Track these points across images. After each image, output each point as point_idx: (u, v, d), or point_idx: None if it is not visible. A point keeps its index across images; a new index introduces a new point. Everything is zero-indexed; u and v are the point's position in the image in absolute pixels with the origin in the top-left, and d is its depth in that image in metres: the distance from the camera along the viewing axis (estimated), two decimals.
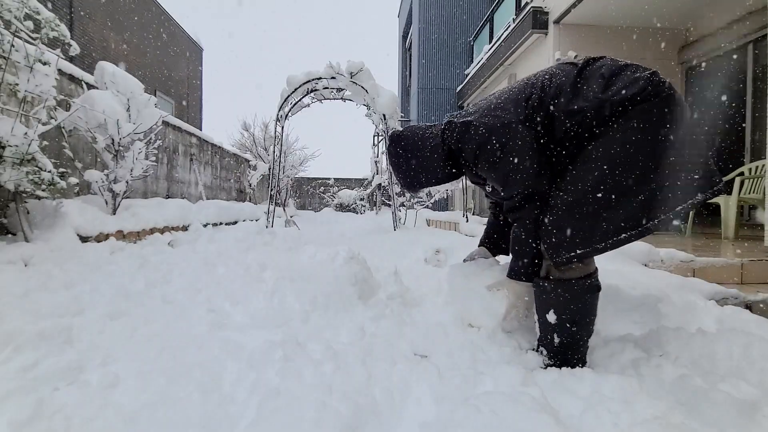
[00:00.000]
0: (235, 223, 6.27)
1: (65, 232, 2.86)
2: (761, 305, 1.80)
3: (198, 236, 4.28)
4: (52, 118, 2.99)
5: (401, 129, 1.54)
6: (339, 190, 14.13)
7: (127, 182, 3.78)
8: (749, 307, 1.80)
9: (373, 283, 1.96)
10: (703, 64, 5.21)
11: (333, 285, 1.76)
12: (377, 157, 10.37)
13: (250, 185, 10.69)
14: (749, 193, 3.53)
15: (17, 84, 2.55)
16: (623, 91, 1.17)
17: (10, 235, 2.67)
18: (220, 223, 5.82)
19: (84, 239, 3.05)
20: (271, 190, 6.32)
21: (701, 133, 1.25)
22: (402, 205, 7.93)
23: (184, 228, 4.76)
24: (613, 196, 1.13)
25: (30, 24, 2.57)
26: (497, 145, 1.24)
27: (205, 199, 7.38)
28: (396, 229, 5.77)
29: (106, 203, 3.70)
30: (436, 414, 0.97)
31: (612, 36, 5.17)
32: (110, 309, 1.76)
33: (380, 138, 6.59)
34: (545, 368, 1.22)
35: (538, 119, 1.25)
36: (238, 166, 10.30)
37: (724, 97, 4.94)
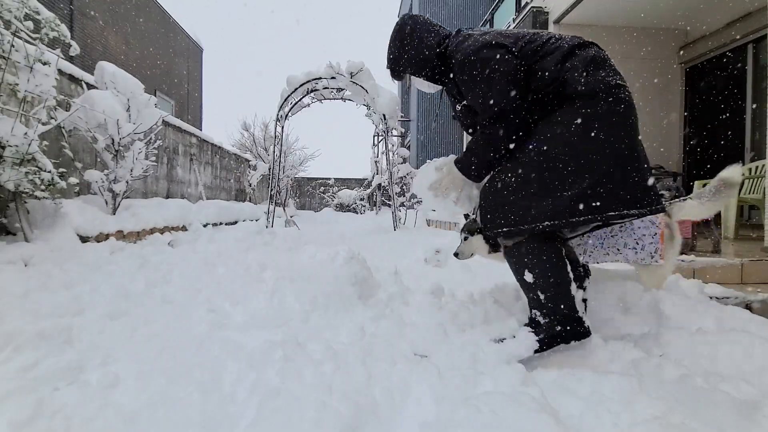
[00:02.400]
0: (235, 223, 6.28)
1: (65, 232, 2.86)
2: (761, 305, 1.80)
3: (198, 236, 4.28)
4: (52, 118, 2.99)
5: (415, 15, 1.62)
6: (339, 190, 14.13)
7: (127, 182, 3.78)
8: (749, 307, 1.80)
9: (373, 283, 1.96)
10: (703, 64, 5.21)
11: (333, 285, 1.76)
12: (377, 157, 10.37)
13: (250, 185, 10.69)
14: (749, 193, 3.53)
15: (17, 84, 2.55)
16: (589, 84, 1.26)
17: (10, 235, 2.67)
18: (220, 223, 5.82)
19: (84, 239, 3.05)
20: (271, 190, 6.32)
21: (643, 152, 1.30)
22: (402, 205, 7.91)
23: (184, 228, 4.76)
24: (543, 186, 1.25)
25: (30, 24, 2.57)
26: (486, 59, 1.33)
27: (205, 199, 7.37)
28: (396, 229, 5.76)
29: (106, 203, 3.70)
30: (436, 414, 0.96)
31: (612, 36, 5.17)
32: (110, 309, 1.76)
33: (380, 138, 6.59)
34: (545, 338, 1.27)
35: (524, 62, 1.34)
36: (238, 166, 10.29)
37: (723, 97, 4.94)
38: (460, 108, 1.56)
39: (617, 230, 1.51)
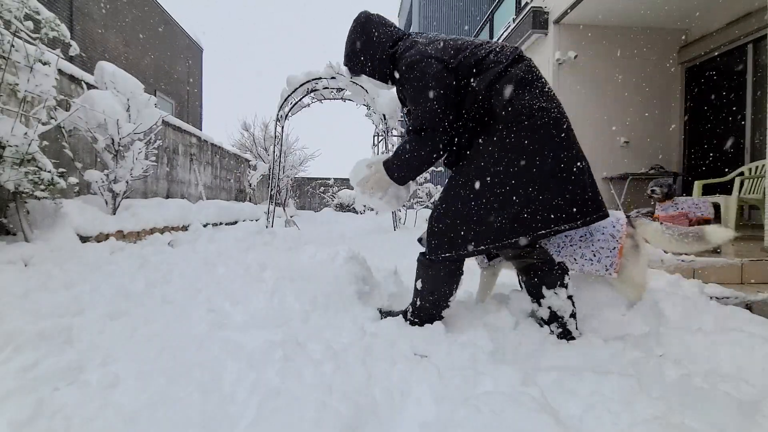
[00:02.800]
0: (235, 223, 6.28)
1: (65, 232, 2.86)
2: (761, 305, 1.80)
3: (198, 236, 4.28)
4: (52, 118, 2.99)
5: (373, 14, 1.64)
6: (339, 190, 14.13)
7: (127, 182, 3.78)
8: (749, 307, 1.80)
9: (373, 283, 1.96)
10: (703, 65, 5.21)
11: (333, 285, 1.76)
12: None
13: (250, 185, 10.68)
14: (749, 193, 3.53)
15: (17, 84, 2.55)
16: (513, 108, 1.30)
17: (10, 235, 2.67)
18: (220, 223, 5.82)
19: (84, 239, 3.05)
20: (271, 190, 6.32)
21: (575, 166, 1.33)
22: (402, 205, 7.90)
23: (184, 228, 4.76)
24: (481, 211, 1.33)
25: (30, 24, 2.57)
26: (423, 73, 1.37)
27: (205, 199, 7.38)
28: (396, 229, 5.77)
29: (106, 203, 3.70)
30: (436, 414, 0.96)
31: (612, 36, 5.17)
32: (110, 309, 1.76)
33: (380, 138, 6.59)
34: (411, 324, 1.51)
35: (461, 75, 1.39)
36: (238, 166, 10.29)
37: (723, 97, 4.94)
38: (406, 111, 1.60)
39: (577, 240, 1.55)
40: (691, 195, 4.09)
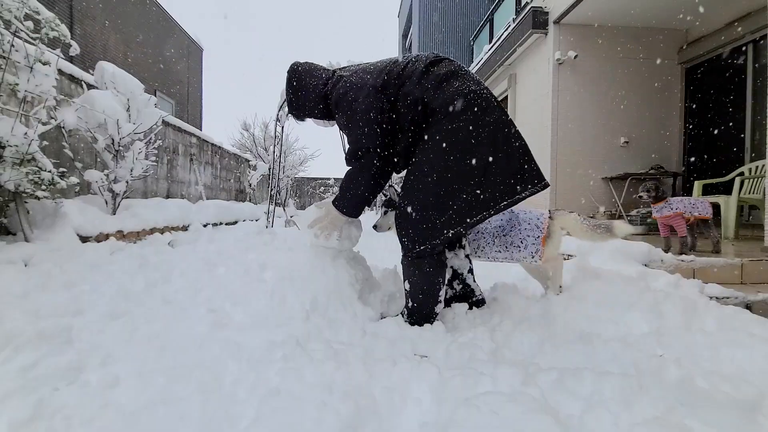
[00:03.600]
0: (235, 223, 6.28)
1: (65, 232, 2.86)
2: (761, 305, 1.80)
3: (198, 236, 4.27)
4: (52, 118, 2.99)
5: (301, 63, 1.75)
6: None
7: (127, 182, 3.77)
8: (749, 307, 1.80)
9: (373, 283, 1.96)
10: (703, 64, 5.21)
11: (333, 285, 1.76)
12: None
13: (250, 185, 10.68)
14: (749, 193, 3.53)
15: (17, 84, 2.55)
16: (446, 98, 1.37)
17: (10, 235, 2.67)
18: (220, 223, 5.82)
19: (84, 239, 3.05)
20: (271, 190, 6.32)
21: (514, 142, 1.44)
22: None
23: (184, 228, 4.76)
24: (440, 201, 1.41)
25: (30, 24, 2.56)
26: (350, 101, 1.47)
27: (205, 199, 7.37)
28: None
29: (106, 203, 3.70)
30: (436, 414, 0.96)
31: (612, 36, 5.17)
32: (110, 309, 1.76)
33: None
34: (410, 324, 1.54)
35: (390, 91, 1.46)
36: (238, 166, 10.29)
37: (723, 97, 4.94)
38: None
39: (508, 230, 1.76)
40: (691, 195, 4.09)
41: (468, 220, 1.41)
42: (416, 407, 1.00)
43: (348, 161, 1.55)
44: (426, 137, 1.43)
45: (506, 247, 1.75)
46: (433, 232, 1.44)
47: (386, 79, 1.47)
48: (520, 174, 1.39)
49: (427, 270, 1.51)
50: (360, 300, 1.78)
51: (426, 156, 1.42)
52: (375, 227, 1.86)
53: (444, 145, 1.38)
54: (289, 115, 1.78)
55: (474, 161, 1.36)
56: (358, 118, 1.45)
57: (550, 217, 1.74)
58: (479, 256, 1.84)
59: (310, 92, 1.66)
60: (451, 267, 1.67)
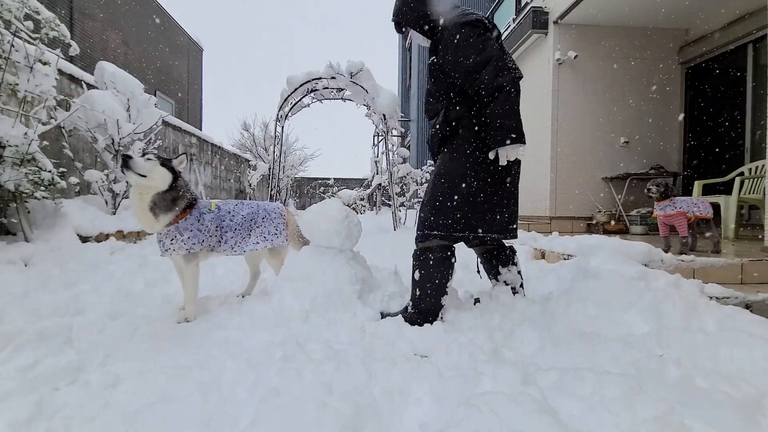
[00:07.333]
0: None
1: (65, 232, 2.86)
2: (761, 305, 1.80)
3: None
4: (52, 118, 2.99)
5: None
6: (339, 190, 14.12)
7: (127, 182, 3.78)
8: (749, 307, 1.80)
9: (373, 283, 1.96)
10: (703, 65, 5.21)
11: (333, 285, 1.76)
12: (377, 157, 10.35)
13: (250, 185, 10.68)
14: (749, 193, 3.53)
15: (17, 84, 2.55)
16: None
17: (10, 235, 2.67)
18: None
19: (84, 239, 3.05)
20: (271, 190, 6.32)
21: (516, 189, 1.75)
22: (402, 205, 7.91)
23: None
24: (462, 202, 1.56)
25: (30, 24, 2.56)
26: (477, 32, 1.54)
27: (205, 199, 7.37)
28: (396, 229, 5.76)
29: (106, 203, 3.70)
30: (436, 414, 0.96)
31: (612, 36, 5.16)
32: (110, 309, 1.76)
33: (380, 138, 6.59)
34: (407, 320, 1.59)
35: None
36: (238, 166, 10.30)
37: (723, 97, 4.94)
38: (433, 80, 1.71)
39: (260, 221, 1.95)
40: (691, 195, 4.09)
41: (503, 235, 1.62)
42: (416, 407, 1.00)
43: (508, 89, 1.49)
44: (461, 132, 1.61)
45: (265, 237, 1.95)
46: (449, 228, 1.58)
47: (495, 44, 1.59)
48: (510, 220, 1.66)
49: (436, 262, 1.61)
50: (360, 300, 1.78)
51: (459, 160, 1.59)
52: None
53: (475, 164, 1.56)
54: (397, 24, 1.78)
55: (505, 185, 1.60)
56: (481, 47, 1.51)
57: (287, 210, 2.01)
58: (235, 252, 1.95)
59: (428, 5, 1.68)
60: (504, 282, 1.82)
